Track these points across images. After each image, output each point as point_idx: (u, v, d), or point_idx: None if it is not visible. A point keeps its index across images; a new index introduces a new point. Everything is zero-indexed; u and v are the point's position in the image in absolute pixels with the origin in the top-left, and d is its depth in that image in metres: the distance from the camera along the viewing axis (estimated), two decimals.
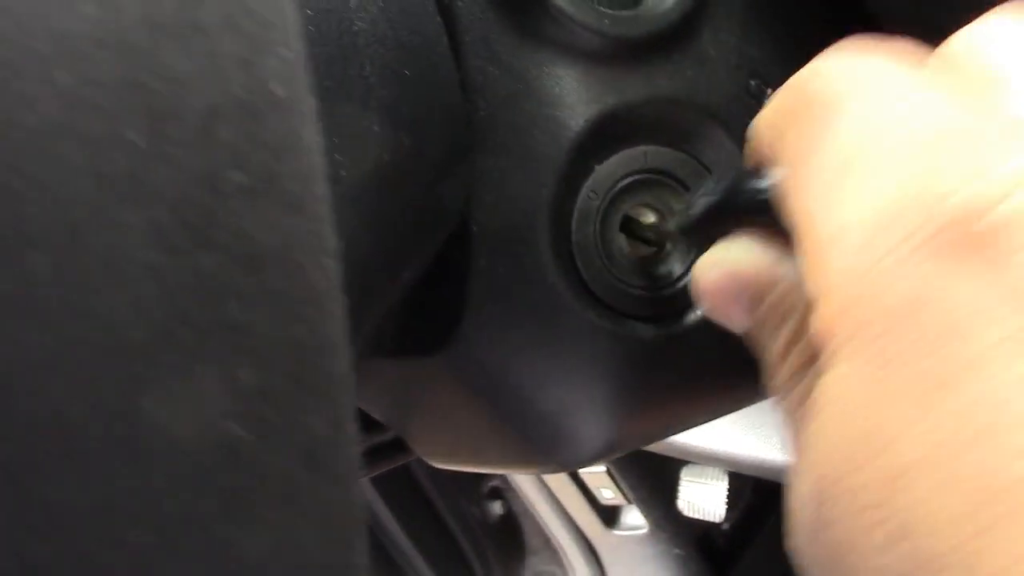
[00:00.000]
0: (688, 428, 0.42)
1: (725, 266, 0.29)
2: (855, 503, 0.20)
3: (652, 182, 0.38)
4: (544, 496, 0.94)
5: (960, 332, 0.19)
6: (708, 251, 0.31)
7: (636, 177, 0.37)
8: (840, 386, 0.21)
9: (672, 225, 0.36)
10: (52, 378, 0.13)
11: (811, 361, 0.25)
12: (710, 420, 0.42)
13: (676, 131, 0.37)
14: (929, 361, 0.20)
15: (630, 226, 0.38)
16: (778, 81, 0.38)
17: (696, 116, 0.37)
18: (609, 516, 0.92)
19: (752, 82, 0.38)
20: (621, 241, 0.38)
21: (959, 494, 0.19)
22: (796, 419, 0.26)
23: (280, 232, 0.15)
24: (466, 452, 0.44)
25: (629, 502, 0.89)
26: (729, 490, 0.82)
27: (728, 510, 0.82)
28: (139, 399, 0.14)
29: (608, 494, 0.90)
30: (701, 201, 0.32)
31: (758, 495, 0.85)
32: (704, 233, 0.32)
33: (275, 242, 0.15)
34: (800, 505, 0.23)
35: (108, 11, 0.13)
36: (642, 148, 0.37)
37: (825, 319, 0.22)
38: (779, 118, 0.26)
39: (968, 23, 0.26)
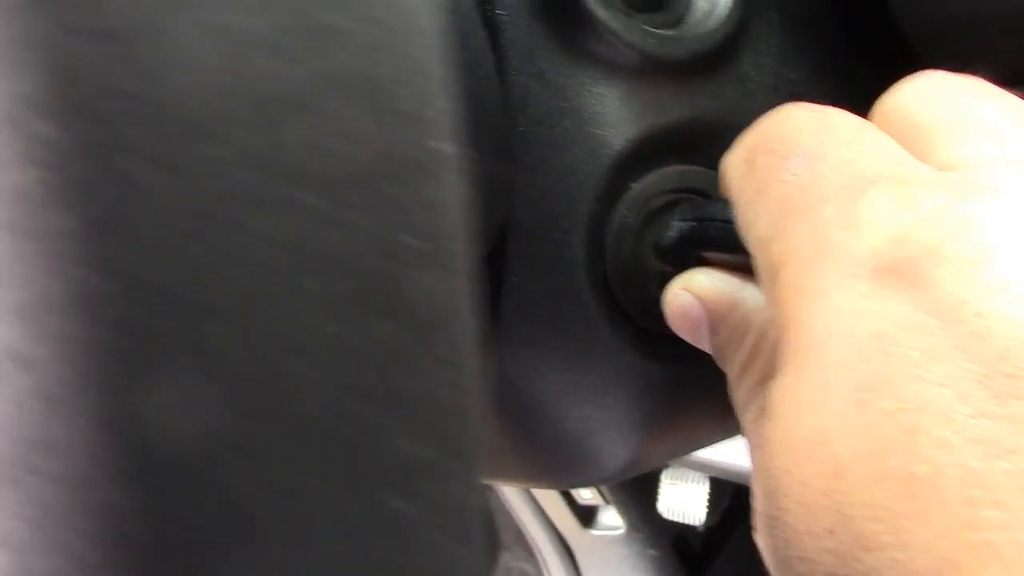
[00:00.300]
0: (708, 445, 0.42)
1: (691, 292, 0.33)
2: (804, 494, 0.23)
3: (685, 202, 0.37)
4: (520, 492, 0.94)
5: (889, 341, 0.22)
6: (677, 278, 0.34)
7: (670, 196, 0.37)
8: (787, 391, 0.24)
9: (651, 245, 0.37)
10: (227, 455, 0.13)
11: (768, 378, 0.28)
12: (730, 437, 0.42)
13: (712, 151, 0.37)
14: (862, 367, 0.22)
15: (658, 244, 0.38)
16: (814, 102, 0.38)
17: (733, 136, 0.37)
18: (586, 515, 0.93)
19: None
20: (653, 260, 0.37)
21: (891, 483, 0.21)
22: (755, 430, 0.29)
23: (442, 295, 0.14)
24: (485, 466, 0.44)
25: (607, 502, 0.90)
26: (709, 494, 0.82)
27: (707, 514, 0.83)
28: (309, 477, 0.13)
29: (586, 494, 0.90)
30: (676, 226, 0.34)
31: (736, 500, 0.86)
32: (679, 255, 0.34)
33: (438, 306, 0.14)
34: (759, 500, 0.26)
35: (291, 67, 0.12)
36: (677, 167, 0.37)
37: (776, 333, 0.26)
38: (743, 156, 0.30)
39: (1006, 58, 0.29)
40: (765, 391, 0.29)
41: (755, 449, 0.30)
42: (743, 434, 0.31)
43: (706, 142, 0.37)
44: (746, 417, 0.30)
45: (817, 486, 0.22)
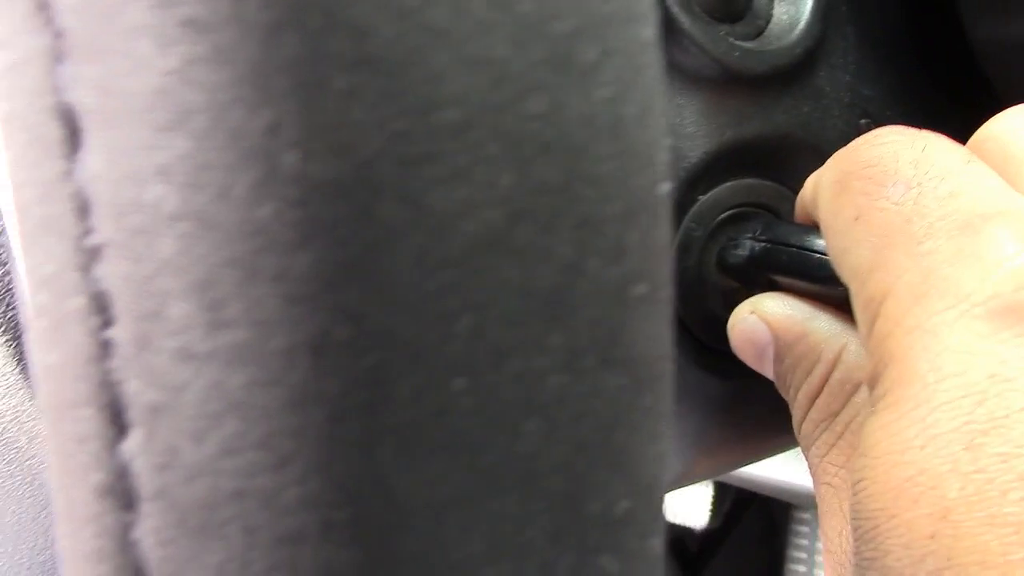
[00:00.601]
0: (756, 461, 0.42)
1: (759, 316, 0.32)
2: (908, 537, 0.22)
3: (751, 216, 0.37)
4: None
5: (1006, 384, 0.21)
6: (745, 301, 0.33)
7: (737, 210, 0.36)
8: (890, 429, 0.23)
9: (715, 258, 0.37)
10: (453, 513, 0.12)
11: (837, 410, 0.28)
12: (776, 455, 0.42)
13: (783, 166, 0.36)
14: (976, 409, 0.21)
15: (723, 258, 0.37)
16: (886, 121, 0.37)
17: (805, 152, 0.36)
18: None
19: (862, 121, 0.37)
20: (716, 273, 0.37)
21: (1003, 529, 0.20)
22: (820, 465, 0.28)
23: (659, 344, 0.13)
24: None
25: None
26: (712, 497, 0.82)
27: (709, 517, 0.83)
28: (529, 536, 0.12)
29: None
30: (747, 244, 0.33)
31: (737, 504, 0.86)
32: (746, 273, 0.34)
33: (656, 356, 0.13)
34: (837, 541, 0.26)
35: (549, 105, 0.11)
36: (747, 181, 0.36)
37: (875, 369, 0.24)
38: (835, 178, 0.28)
39: None
40: (837, 424, 0.29)
41: (822, 485, 0.29)
42: (810, 468, 0.31)
43: (778, 157, 0.36)
44: (812, 451, 0.30)
45: (923, 529, 0.22)
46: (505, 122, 0.11)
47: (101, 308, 0.12)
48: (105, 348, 0.12)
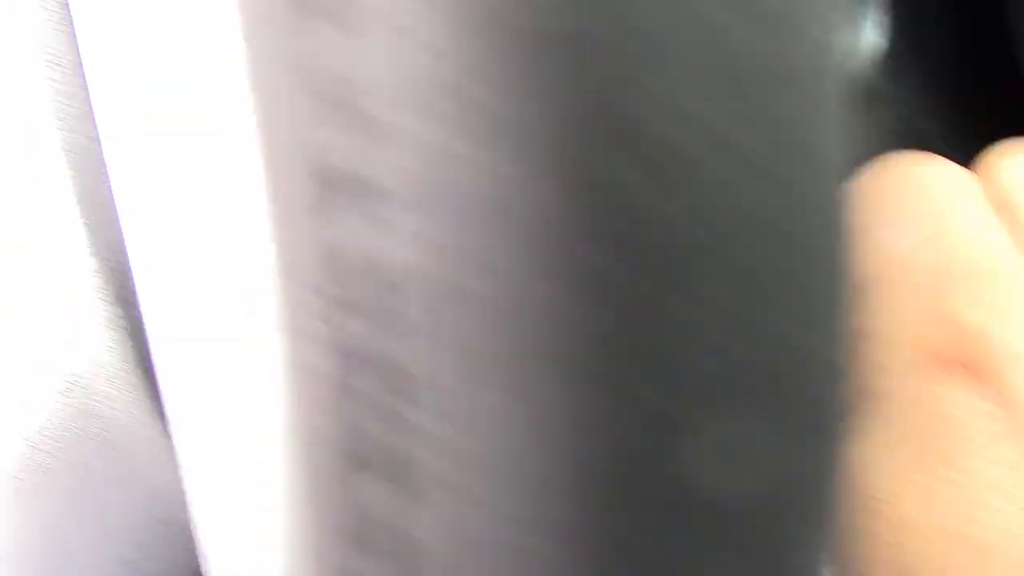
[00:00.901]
0: None
1: None
2: (869, 544, 0.25)
3: None
4: None
5: (956, 422, 0.25)
6: None
7: None
8: (862, 452, 0.27)
9: None
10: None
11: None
12: None
13: None
14: (931, 441, 0.25)
15: None
16: (941, 155, 0.38)
17: None
18: None
19: None
20: None
21: (948, 540, 0.24)
22: None
23: (837, 394, 0.14)
24: None
25: None
26: None
27: None
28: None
29: None
30: None
31: None
32: None
33: (833, 409, 0.14)
34: None
35: (785, 194, 0.12)
36: None
37: (856, 399, 0.27)
38: None
39: None
40: None
41: None
42: None
43: None
44: None
45: (884, 537, 0.25)
46: (749, 207, 0.12)
47: (347, 360, 0.13)
48: (350, 395, 0.13)
